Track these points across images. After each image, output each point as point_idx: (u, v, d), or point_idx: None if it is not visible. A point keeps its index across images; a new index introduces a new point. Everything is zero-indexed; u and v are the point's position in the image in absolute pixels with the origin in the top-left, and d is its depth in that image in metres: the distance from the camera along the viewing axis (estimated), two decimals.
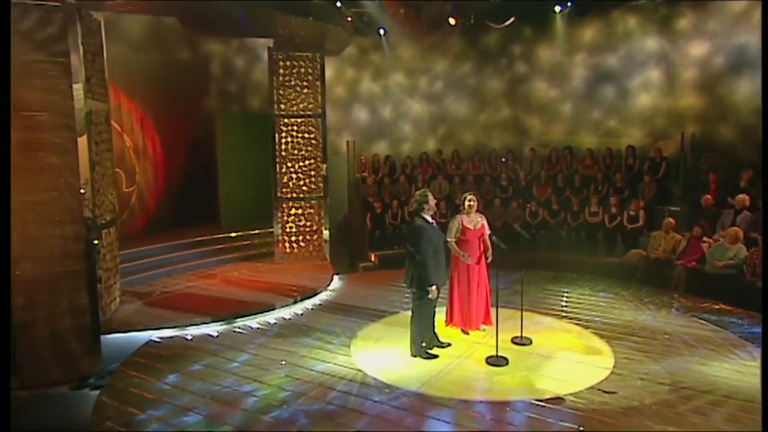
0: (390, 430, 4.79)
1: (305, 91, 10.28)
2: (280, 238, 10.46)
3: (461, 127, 14.44)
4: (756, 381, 5.50)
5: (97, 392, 5.63)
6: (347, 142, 12.92)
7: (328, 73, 14.18)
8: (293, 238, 10.51)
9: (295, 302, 8.25)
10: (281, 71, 10.15)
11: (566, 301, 8.21)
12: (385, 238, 11.36)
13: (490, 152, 13.39)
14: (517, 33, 13.63)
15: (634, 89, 12.45)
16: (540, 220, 11.33)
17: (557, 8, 12.54)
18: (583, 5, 12.38)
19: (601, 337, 6.72)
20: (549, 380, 5.62)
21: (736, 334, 6.84)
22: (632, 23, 12.31)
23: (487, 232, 6.74)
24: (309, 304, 8.33)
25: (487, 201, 11.84)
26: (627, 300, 8.25)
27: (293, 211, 10.47)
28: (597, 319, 7.38)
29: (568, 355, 6.21)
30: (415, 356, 6.17)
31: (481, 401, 5.26)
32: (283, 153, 10.32)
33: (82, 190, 5.80)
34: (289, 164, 10.35)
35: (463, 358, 6.15)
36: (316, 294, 8.67)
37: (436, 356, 6.19)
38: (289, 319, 7.70)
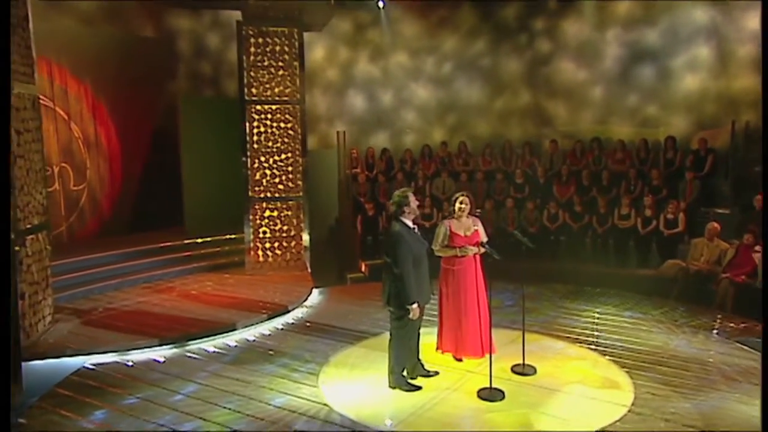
0: None
1: (281, 73, 10.24)
2: (251, 244, 10.45)
3: (473, 115, 14.37)
4: None
5: None
6: (337, 132, 12.74)
7: (318, 53, 14.18)
8: (267, 245, 10.52)
9: (263, 321, 8.17)
10: (252, 49, 10.09)
11: (584, 322, 8.07)
12: (377, 245, 11.17)
13: (503, 144, 13.28)
14: (540, 5, 13.54)
15: (677, 70, 12.30)
16: (560, 225, 11.22)
17: None
18: None
19: (622, 366, 6.54)
20: (551, 419, 5.41)
21: None
22: None
23: (483, 239, 6.53)
24: (279, 322, 8.30)
25: (498, 202, 11.75)
26: (658, 321, 8.10)
27: (267, 213, 10.47)
28: (619, 344, 7.22)
29: (578, 388, 6.02)
30: (394, 388, 6.02)
31: None
32: (255, 145, 10.29)
33: None
34: (262, 158, 10.33)
35: (451, 391, 6.00)
36: (289, 311, 8.62)
37: (419, 388, 6.04)
38: (253, 341, 7.65)
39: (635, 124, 12.80)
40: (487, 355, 6.35)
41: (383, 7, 13.47)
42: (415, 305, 5.75)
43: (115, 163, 11.66)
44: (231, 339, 7.65)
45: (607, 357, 6.79)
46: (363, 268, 11.06)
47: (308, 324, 8.24)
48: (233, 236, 11.02)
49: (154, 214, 11.63)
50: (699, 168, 11.03)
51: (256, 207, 10.44)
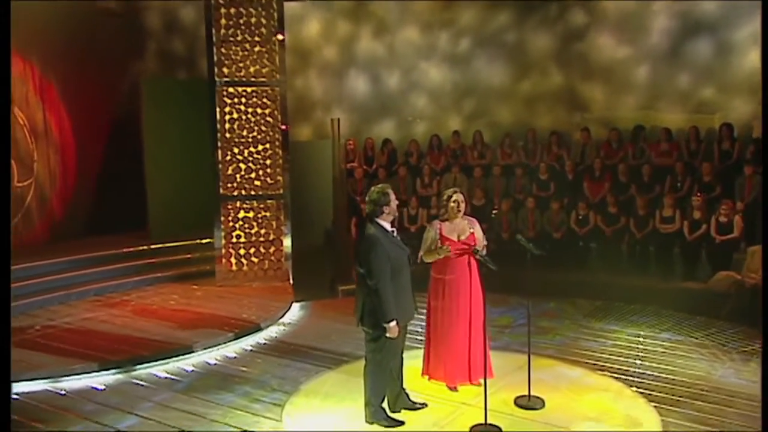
0: None
1: (257, 49, 10.26)
2: (223, 251, 10.48)
3: (495, 100, 14.21)
4: None
5: None
6: (331, 120, 12.55)
7: (311, 27, 14.12)
8: (242, 251, 10.53)
9: (229, 341, 8.17)
10: (223, 21, 10.10)
11: (610, 345, 7.96)
12: None
13: (525, 133, 13.19)
14: None
15: (739, 44, 12.09)
16: (590, 229, 11.14)
17: None
18: None
19: (651, 400, 6.41)
20: None
21: None
22: None
23: (480, 244, 6.44)
24: (248, 343, 8.32)
25: (517, 201, 11.69)
26: (701, 345, 7.96)
27: (242, 214, 10.46)
28: (650, 372, 7.10)
29: (591, 427, 5.89)
30: (371, 423, 5.94)
31: None
32: (227, 135, 10.32)
33: None
34: (236, 150, 10.36)
35: (441, 427, 5.93)
36: (260, 329, 8.63)
37: (401, 423, 5.96)
38: (214, 365, 7.66)
39: (687, 109, 12.63)
40: (488, 383, 6.27)
41: None
42: (393, 324, 5.63)
43: (68, 156, 11.71)
44: (188, 363, 7.64)
45: (634, 388, 6.65)
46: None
47: (281, 344, 8.25)
48: (205, 241, 10.99)
49: (114, 216, 11.61)
50: (761, 161, 10.66)
51: (229, 207, 10.39)
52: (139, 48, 12.57)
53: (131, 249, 10.77)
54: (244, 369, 7.42)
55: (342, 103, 14.36)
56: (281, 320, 9.05)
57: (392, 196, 5.85)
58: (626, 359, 7.44)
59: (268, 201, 10.47)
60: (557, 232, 11.10)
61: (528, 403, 6.19)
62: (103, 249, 10.55)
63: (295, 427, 5.99)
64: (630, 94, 13.11)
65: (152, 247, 11.03)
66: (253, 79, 10.24)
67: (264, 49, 10.19)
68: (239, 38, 10.09)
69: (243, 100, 10.25)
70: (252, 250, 10.52)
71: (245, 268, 10.50)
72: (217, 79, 10.12)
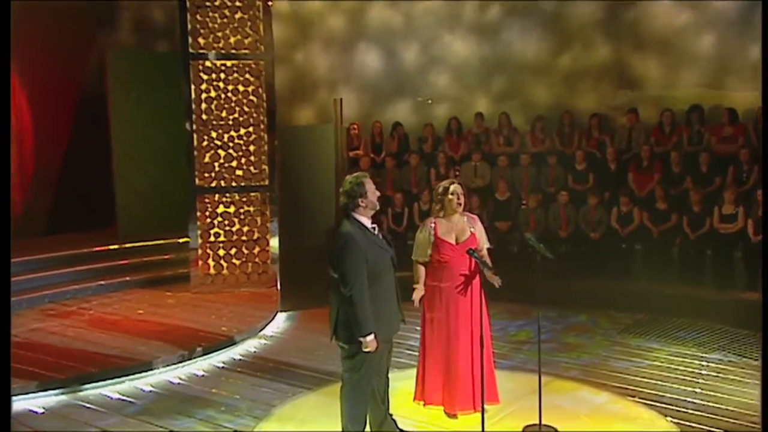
0: None
1: (238, 16, 10.30)
2: (199, 251, 10.56)
3: (530, 77, 14.13)
4: None
5: None
6: (334, 101, 12.69)
7: None
8: (221, 252, 10.56)
9: (196, 357, 8.21)
10: None
11: (647, 366, 7.87)
12: None
13: (561, 115, 13.10)
14: None
15: None
16: (635, 228, 11.07)
17: None
18: None
19: None
20: None
21: None
22: None
23: (482, 246, 6.45)
24: (221, 359, 8.38)
25: (548, 195, 11.75)
26: (757, 368, 7.62)
27: (221, 209, 10.47)
28: (692, 400, 6.98)
29: None
30: None
31: None
32: (204, 116, 10.34)
33: None
34: (213, 134, 10.37)
35: None
36: (235, 343, 8.68)
37: None
38: (177, 384, 7.70)
39: (759, 86, 12.25)
40: (492, 409, 6.42)
41: None
42: (370, 338, 5.54)
43: (25, 143, 11.81)
44: (146, 382, 7.68)
45: (669, 419, 6.52)
46: None
47: (258, 361, 8.31)
48: (183, 240, 11.00)
49: (78, 211, 11.74)
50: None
51: (206, 200, 10.41)
52: (109, 17, 12.63)
53: (95, 249, 10.88)
54: (210, 390, 7.41)
55: (350, 82, 14.37)
56: (262, 332, 9.12)
57: (369, 186, 5.74)
58: (664, 383, 7.33)
59: (252, 194, 10.47)
60: (595, 232, 11.06)
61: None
62: (62, 249, 10.66)
63: None
64: (690, 69, 12.97)
65: (120, 246, 11.14)
66: (233, 52, 10.27)
67: (246, 16, 10.24)
68: (217, 3, 10.15)
69: (222, 75, 10.26)
70: (233, 251, 10.55)
71: (225, 271, 10.54)
72: (191, 51, 10.16)
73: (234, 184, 10.45)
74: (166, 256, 11.28)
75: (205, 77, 10.23)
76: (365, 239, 5.61)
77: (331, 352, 7.94)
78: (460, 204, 6.35)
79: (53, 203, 11.88)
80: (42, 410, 6.98)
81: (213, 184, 10.41)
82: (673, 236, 10.77)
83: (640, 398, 6.95)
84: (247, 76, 10.30)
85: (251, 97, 10.34)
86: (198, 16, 10.10)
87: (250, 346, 8.72)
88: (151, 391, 7.41)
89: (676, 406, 6.78)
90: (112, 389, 7.41)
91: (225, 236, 10.51)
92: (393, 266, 5.85)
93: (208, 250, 10.47)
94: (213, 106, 10.27)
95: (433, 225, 6.38)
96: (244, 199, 10.49)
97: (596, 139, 12.53)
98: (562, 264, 11.00)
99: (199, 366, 8.05)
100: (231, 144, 10.37)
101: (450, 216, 6.37)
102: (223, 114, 10.30)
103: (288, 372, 7.81)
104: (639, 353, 8.21)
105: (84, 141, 12.03)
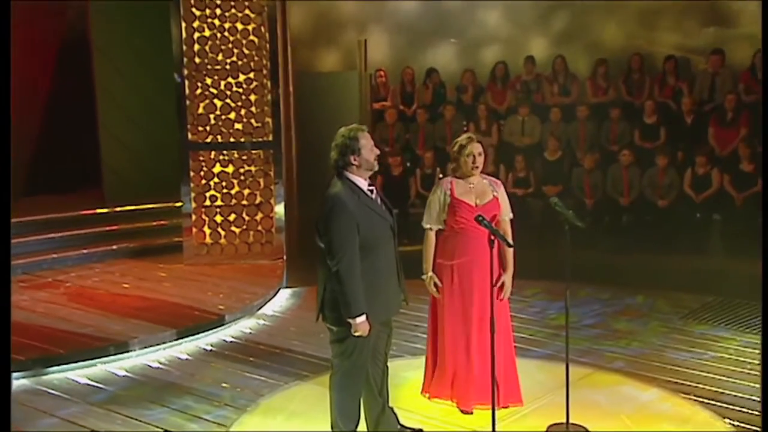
0: None
1: None
2: (193, 217, 10.61)
3: (598, 13, 13.98)
4: None
5: None
6: (358, 42, 12.67)
7: None
8: (218, 219, 10.60)
9: (182, 338, 8.23)
10: None
11: (709, 359, 7.76)
12: (408, 222, 10.94)
13: (629, 59, 12.86)
14: None
15: None
16: (712, 193, 11.00)
17: None
18: None
19: None
20: None
21: None
22: None
23: (505, 215, 6.38)
24: (209, 341, 8.37)
25: (607, 155, 11.67)
26: None
27: (217, 168, 10.48)
28: (757, 398, 6.75)
29: None
30: None
31: None
32: (197, 59, 10.31)
33: None
34: (209, 81, 10.36)
35: None
36: (227, 323, 8.67)
37: None
38: (156, 368, 7.73)
39: None
40: (513, 407, 6.46)
41: None
42: (360, 319, 5.48)
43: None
44: (122, 365, 7.69)
45: (728, 421, 6.39)
46: None
47: (250, 344, 8.31)
48: (179, 204, 11.01)
49: (62, 169, 11.83)
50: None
51: (201, 158, 10.43)
52: None
53: (78, 213, 10.93)
54: (192, 375, 7.44)
55: (381, 21, 14.23)
56: (261, 311, 9.13)
57: (365, 142, 5.63)
58: (727, 379, 7.20)
59: (253, 151, 10.46)
60: (663, 199, 10.98)
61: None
62: (40, 212, 10.74)
63: None
64: None
65: (107, 210, 11.21)
66: None
67: None
68: None
69: (218, 12, 10.23)
70: (231, 217, 10.54)
71: (222, 241, 10.58)
72: None
73: (232, 139, 10.41)
74: (159, 222, 11.34)
75: (197, 13, 10.19)
76: (358, 203, 5.53)
77: None
78: (477, 165, 6.23)
79: (32, 161, 11.99)
80: None
81: (208, 140, 10.39)
82: (758, 204, 10.38)
83: (695, 396, 6.84)
84: (247, 12, 10.24)
85: (252, 38, 10.25)
86: None
87: (244, 326, 8.72)
88: (125, 376, 7.44)
89: (738, 405, 6.65)
90: (80, 373, 7.44)
91: (222, 200, 10.51)
92: (393, 236, 5.78)
93: (204, 216, 10.49)
94: (207, 48, 10.24)
95: (450, 185, 6.30)
96: (244, 157, 10.47)
97: (671, 87, 12.30)
98: (622, 237, 11.00)
99: (184, 348, 8.06)
100: (228, 92, 10.32)
101: (467, 175, 6.28)
102: (219, 57, 10.27)
103: (284, 357, 7.82)
104: (701, 343, 8.10)
105: (67, 91, 12.09)
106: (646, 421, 6.38)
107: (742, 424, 6.31)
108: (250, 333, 8.58)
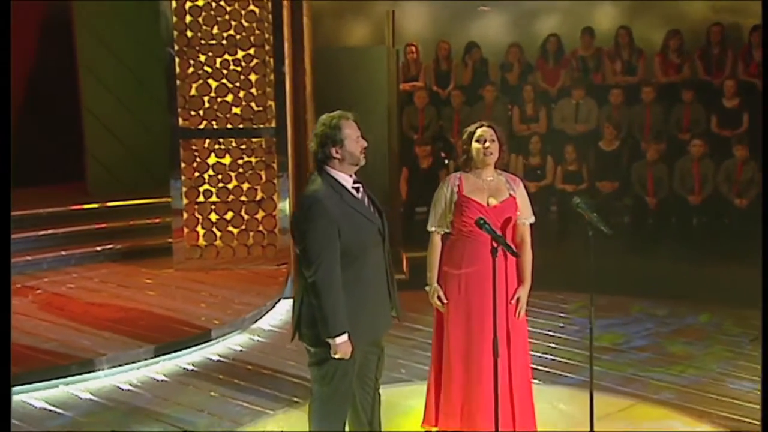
0: None
1: None
2: (185, 215, 10.73)
3: None
4: None
5: None
6: (387, 13, 12.76)
7: None
8: (213, 217, 10.74)
9: (160, 356, 8.34)
10: None
11: None
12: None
13: (707, 29, 12.86)
14: None
15: None
16: None
17: None
18: None
19: None
20: None
21: None
22: None
23: (525, 218, 6.35)
24: (191, 359, 8.48)
25: (676, 143, 11.68)
26: None
27: (212, 159, 10.62)
28: None
29: None
30: None
31: None
32: (188, 33, 10.48)
33: None
34: (202, 58, 10.50)
35: None
36: (213, 339, 8.79)
37: None
38: (127, 391, 7.81)
39: None
40: None
41: None
42: (341, 339, 5.46)
43: None
44: (87, 387, 7.78)
45: None
46: (404, 264, 11.15)
47: (237, 364, 8.39)
48: (170, 200, 11.12)
49: (41, 159, 11.99)
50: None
51: (193, 147, 10.54)
52: None
53: (55, 209, 11.02)
54: (165, 399, 7.50)
55: None
56: (256, 325, 9.24)
57: (349, 131, 5.62)
58: None
59: (254, 139, 10.56)
60: (742, 197, 11.07)
61: None
62: (13, 207, 10.77)
63: None
64: None
65: (90, 206, 11.32)
66: None
67: None
68: None
69: None
70: (229, 216, 10.66)
71: (218, 242, 10.70)
72: None
73: (229, 125, 10.54)
74: (150, 221, 11.44)
75: None
76: (340, 203, 5.49)
77: None
78: (488, 155, 6.17)
79: (12, 152, 12.16)
80: None
81: (202, 126, 10.52)
82: None
83: None
84: None
85: (252, 7, 10.38)
86: None
87: (234, 343, 8.81)
88: (88, 399, 7.50)
89: None
90: (38, 396, 7.51)
91: (218, 195, 10.63)
92: (383, 241, 5.74)
93: (197, 214, 10.60)
94: (200, 20, 10.35)
95: (458, 181, 6.27)
96: (243, 147, 10.58)
97: (757, 64, 12.25)
98: (690, 242, 10.90)
99: (161, 368, 8.13)
100: (225, 71, 10.46)
101: (478, 168, 6.24)
102: (215, 30, 10.41)
103: (275, 380, 7.88)
104: None
105: (46, 69, 12.31)
106: None
107: None
108: (240, 351, 8.65)
